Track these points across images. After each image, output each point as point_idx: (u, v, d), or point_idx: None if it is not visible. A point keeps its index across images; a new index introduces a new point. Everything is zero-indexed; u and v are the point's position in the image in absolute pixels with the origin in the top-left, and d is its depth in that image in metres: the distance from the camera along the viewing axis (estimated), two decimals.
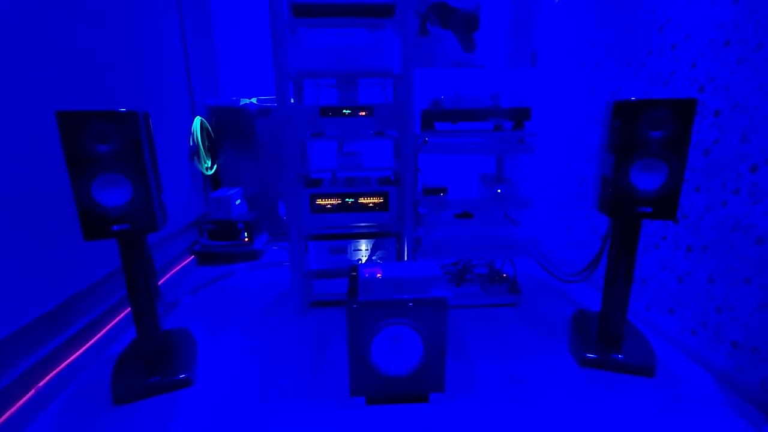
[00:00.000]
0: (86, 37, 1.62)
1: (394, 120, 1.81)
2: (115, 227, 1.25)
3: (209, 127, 2.76)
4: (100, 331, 1.66)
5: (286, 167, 1.78)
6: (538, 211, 2.73)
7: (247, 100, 2.79)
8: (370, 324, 1.23)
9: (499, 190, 1.91)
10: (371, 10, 1.74)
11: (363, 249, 1.93)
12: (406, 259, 1.91)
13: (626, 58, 1.83)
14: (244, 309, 1.99)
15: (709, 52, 1.43)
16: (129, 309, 1.58)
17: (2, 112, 1.25)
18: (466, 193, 2.01)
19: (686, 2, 1.51)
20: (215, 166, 2.83)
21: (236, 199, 2.67)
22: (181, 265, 2.42)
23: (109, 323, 1.72)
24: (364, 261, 1.94)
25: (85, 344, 1.57)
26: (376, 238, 1.92)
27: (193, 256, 2.57)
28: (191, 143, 2.61)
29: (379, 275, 1.38)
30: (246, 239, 2.60)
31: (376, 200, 1.86)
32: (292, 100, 1.88)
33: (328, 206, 1.85)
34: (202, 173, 2.75)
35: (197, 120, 2.64)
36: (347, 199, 1.85)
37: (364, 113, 1.80)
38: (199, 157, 2.67)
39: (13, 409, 1.23)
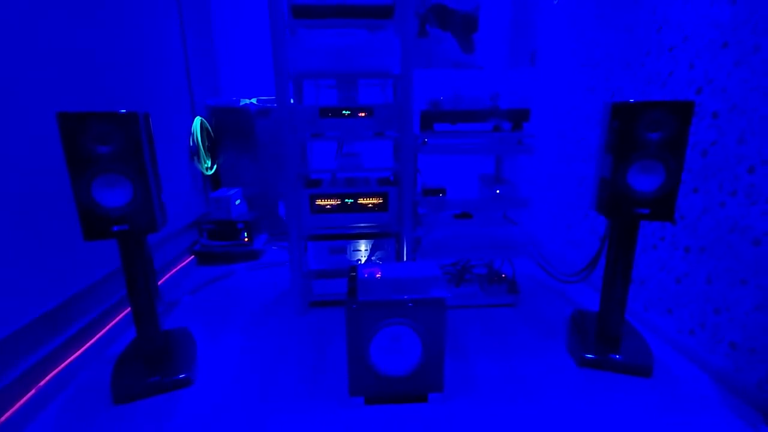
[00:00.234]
0: (86, 37, 1.63)
1: (393, 121, 1.81)
2: (115, 228, 1.26)
3: (209, 127, 2.77)
4: (100, 331, 1.67)
5: (286, 167, 1.78)
6: (538, 211, 2.74)
7: (247, 101, 2.80)
8: (369, 324, 1.24)
9: (498, 191, 1.92)
10: (371, 11, 1.74)
11: (362, 249, 1.93)
12: (405, 259, 1.92)
13: (626, 58, 1.83)
14: (243, 309, 1.99)
15: (707, 53, 1.43)
16: (129, 309, 1.58)
17: (3, 113, 1.26)
18: (465, 194, 2.01)
19: (684, 3, 1.52)
20: (215, 166, 2.84)
21: (236, 199, 2.67)
22: (181, 265, 2.42)
23: (109, 323, 1.73)
24: (363, 261, 1.95)
25: (85, 344, 1.58)
26: (376, 238, 1.93)
27: (192, 256, 2.57)
28: (191, 143, 2.62)
29: (378, 275, 1.38)
30: (246, 239, 2.60)
31: (375, 201, 1.87)
32: (291, 101, 1.88)
33: (328, 206, 1.86)
34: (202, 173, 2.75)
35: (197, 120, 2.65)
36: (347, 200, 1.85)
37: (363, 114, 1.80)
38: (199, 157, 2.67)
39: (13, 409, 1.23)
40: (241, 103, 2.78)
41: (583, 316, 1.71)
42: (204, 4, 2.82)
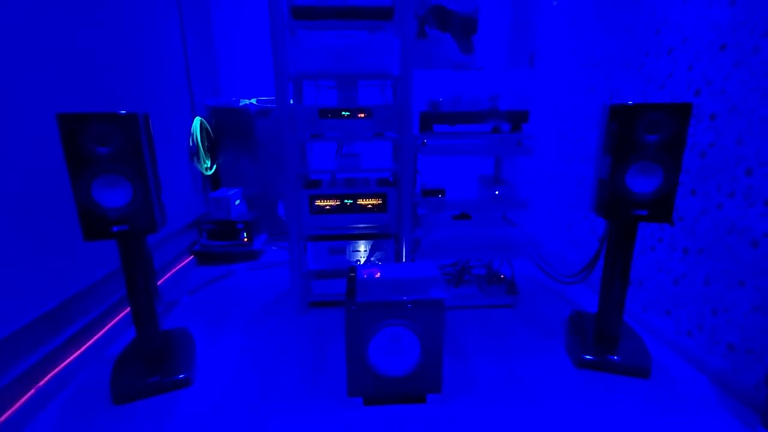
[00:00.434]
0: (86, 37, 1.63)
1: (393, 121, 1.82)
2: (114, 228, 1.26)
3: (209, 128, 2.77)
4: (99, 331, 1.67)
5: (286, 168, 1.79)
6: (538, 211, 2.74)
7: (247, 101, 2.80)
8: (368, 325, 1.24)
9: (497, 192, 1.92)
10: (370, 13, 1.75)
11: (362, 250, 1.93)
12: (404, 260, 1.92)
13: (626, 59, 1.84)
14: (243, 309, 1.99)
15: (706, 54, 1.44)
16: (128, 309, 1.59)
17: (3, 113, 1.26)
18: (464, 195, 2.02)
19: (684, 4, 1.52)
20: (215, 167, 2.84)
21: (236, 200, 2.67)
22: (181, 265, 2.42)
23: (109, 323, 1.73)
24: (362, 262, 1.95)
25: (85, 344, 1.58)
26: (375, 239, 1.93)
27: (192, 256, 2.58)
28: (191, 143, 2.62)
29: (377, 276, 1.39)
30: (245, 239, 2.60)
31: (374, 201, 1.87)
32: (291, 101, 1.88)
33: (327, 207, 1.86)
34: (202, 173, 2.76)
35: (197, 120, 2.65)
36: (346, 200, 1.86)
37: (363, 115, 1.80)
38: (198, 158, 2.68)
39: (13, 409, 1.24)
40: (241, 104, 2.78)
41: (581, 317, 1.71)
42: (204, 4, 2.82)
